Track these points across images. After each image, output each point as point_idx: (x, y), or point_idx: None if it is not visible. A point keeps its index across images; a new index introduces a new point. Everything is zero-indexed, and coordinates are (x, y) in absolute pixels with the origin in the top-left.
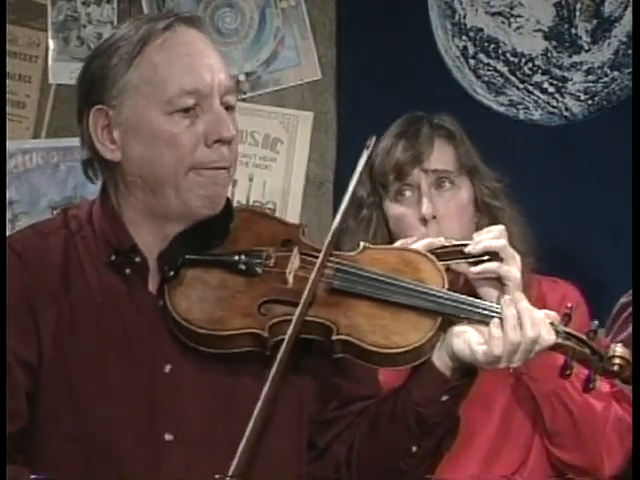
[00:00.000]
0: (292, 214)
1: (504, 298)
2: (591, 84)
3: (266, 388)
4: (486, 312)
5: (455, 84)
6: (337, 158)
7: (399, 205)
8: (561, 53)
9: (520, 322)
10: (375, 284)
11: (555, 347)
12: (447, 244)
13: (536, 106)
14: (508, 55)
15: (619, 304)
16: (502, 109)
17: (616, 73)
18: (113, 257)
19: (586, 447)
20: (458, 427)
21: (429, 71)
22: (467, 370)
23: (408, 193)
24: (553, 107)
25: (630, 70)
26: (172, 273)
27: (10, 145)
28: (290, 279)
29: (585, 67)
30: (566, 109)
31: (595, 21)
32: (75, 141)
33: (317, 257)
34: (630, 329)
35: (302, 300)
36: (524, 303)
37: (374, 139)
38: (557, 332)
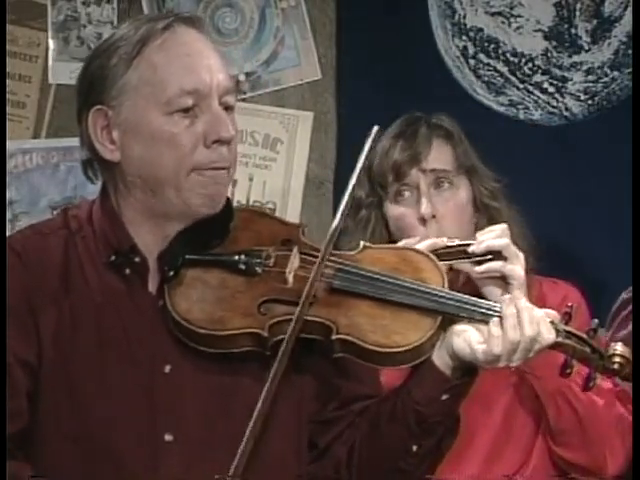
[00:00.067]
0: (292, 214)
1: (504, 297)
2: (591, 84)
3: (266, 388)
4: (486, 311)
5: (455, 84)
6: (337, 158)
7: (398, 206)
8: (561, 53)
9: (519, 321)
10: (375, 283)
11: (555, 346)
12: (450, 244)
13: (536, 106)
14: (508, 55)
15: (620, 299)
16: (502, 109)
17: (616, 73)
18: (113, 257)
19: (590, 446)
20: (458, 426)
21: (429, 71)
22: (467, 369)
23: (407, 194)
24: (553, 107)
25: (630, 70)
26: (172, 273)
27: (10, 145)
28: (290, 279)
29: (585, 67)
30: (566, 109)
31: (595, 21)
32: (75, 141)
33: (317, 257)
34: (630, 327)
35: (302, 300)
36: (524, 302)
37: (376, 128)
38: (557, 331)
